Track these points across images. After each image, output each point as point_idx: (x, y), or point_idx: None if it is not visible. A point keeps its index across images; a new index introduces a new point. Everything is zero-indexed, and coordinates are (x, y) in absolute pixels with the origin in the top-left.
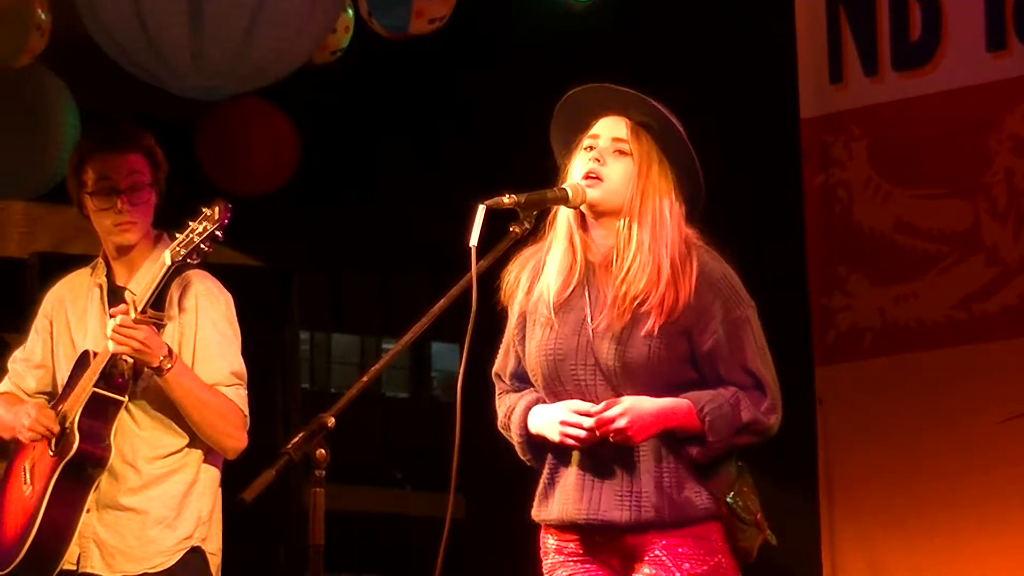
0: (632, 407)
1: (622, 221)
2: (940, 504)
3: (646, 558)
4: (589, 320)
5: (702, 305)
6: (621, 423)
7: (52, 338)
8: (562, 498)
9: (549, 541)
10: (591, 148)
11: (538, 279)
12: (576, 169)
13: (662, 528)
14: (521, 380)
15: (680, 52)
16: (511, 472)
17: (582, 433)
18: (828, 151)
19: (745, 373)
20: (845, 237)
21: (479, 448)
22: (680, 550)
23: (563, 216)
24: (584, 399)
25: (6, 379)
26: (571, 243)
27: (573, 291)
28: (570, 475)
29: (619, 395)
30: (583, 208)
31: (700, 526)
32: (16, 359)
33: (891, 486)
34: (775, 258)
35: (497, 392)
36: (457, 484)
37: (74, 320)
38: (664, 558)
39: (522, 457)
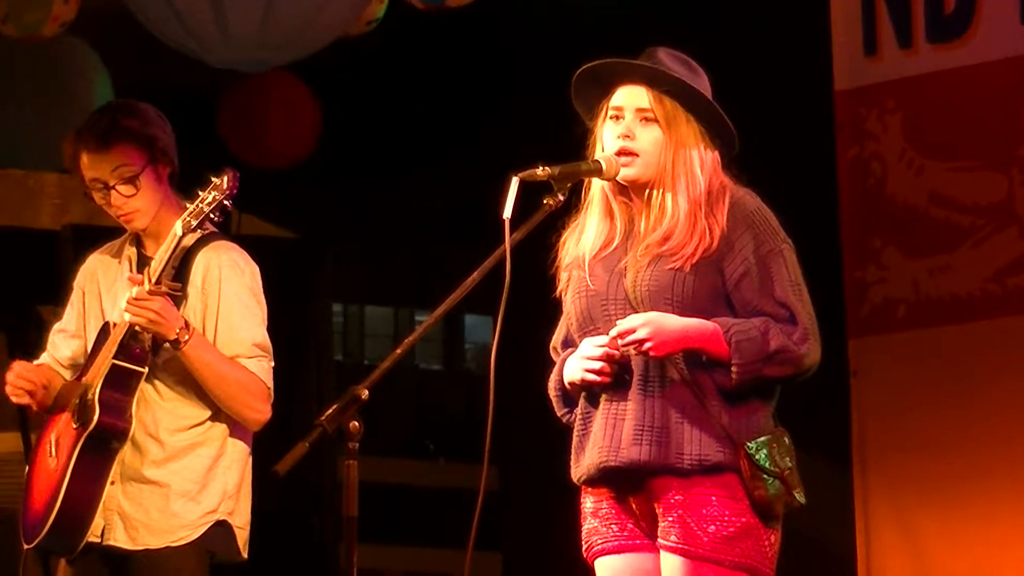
0: (654, 319)
1: (657, 191)
2: (974, 474)
3: (671, 518)
4: (623, 260)
5: (733, 236)
6: (642, 333)
7: (84, 308)
8: (591, 447)
9: (587, 504)
10: (616, 118)
11: (579, 243)
12: (606, 140)
13: (683, 475)
14: (570, 347)
15: (714, 24)
16: (544, 443)
17: (597, 364)
18: (862, 123)
19: (776, 304)
20: (879, 210)
21: (512, 420)
22: (704, 511)
23: (597, 186)
24: None
25: (45, 352)
26: (608, 211)
27: (614, 249)
28: (597, 421)
29: None
30: (621, 180)
31: (723, 477)
32: (55, 330)
33: (925, 457)
34: (809, 231)
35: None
36: (490, 455)
37: (104, 291)
38: (689, 520)
39: (558, 414)
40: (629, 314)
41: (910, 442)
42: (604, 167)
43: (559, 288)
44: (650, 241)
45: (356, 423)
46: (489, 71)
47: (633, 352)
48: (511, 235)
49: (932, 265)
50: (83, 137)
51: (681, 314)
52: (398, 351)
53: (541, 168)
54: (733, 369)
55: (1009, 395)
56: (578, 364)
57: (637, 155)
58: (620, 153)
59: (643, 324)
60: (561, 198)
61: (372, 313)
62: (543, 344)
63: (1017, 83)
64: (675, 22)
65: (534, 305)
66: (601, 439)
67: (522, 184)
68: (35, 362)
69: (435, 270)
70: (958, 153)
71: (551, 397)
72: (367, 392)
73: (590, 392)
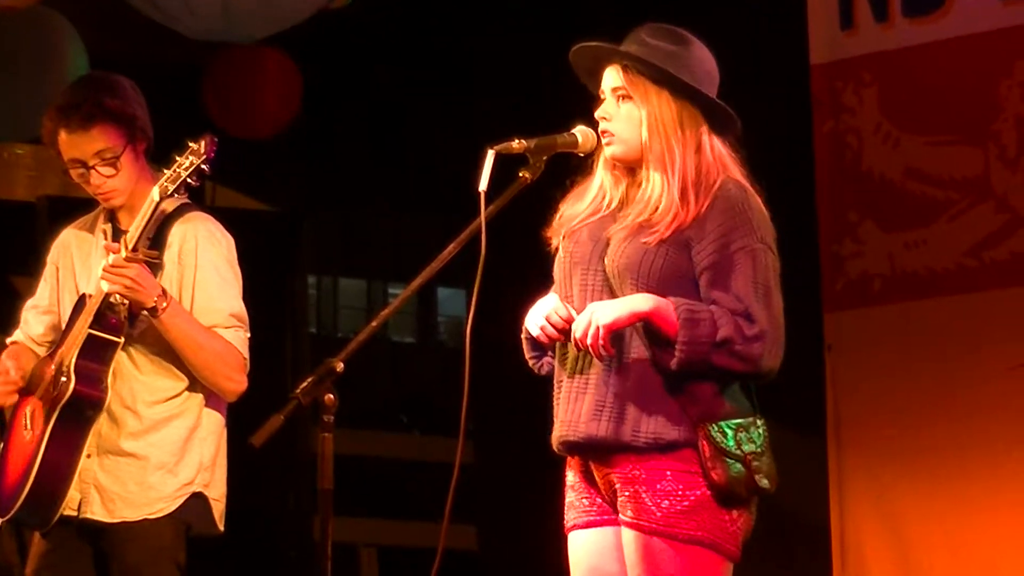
0: (592, 306)
1: (642, 168)
2: (948, 449)
3: (627, 493)
4: (608, 230)
5: (710, 224)
6: (580, 327)
7: (58, 283)
8: (558, 420)
9: (568, 477)
10: (600, 102)
11: (573, 207)
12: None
13: (639, 452)
14: None
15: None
16: (518, 416)
17: (552, 331)
18: (838, 97)
19: (735, 299)
20: (855, 184)
21: (487, 393)
22: (659, 486)
23: (601, 158)
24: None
25: (19, 329)
26: (601, 181)
27: (603, 217)
28: (563, 393)
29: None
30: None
31: (679, 453)
32: (28, 307)
33: (900, 431)
34: (785, 204)
35: None
36: (465, 428)
37: (78, 264)
38: (644, 495)
39: (526, 357)
40: (599, 281)
41: (885, 416)
42: (580, 139)
43: (554, 250)
44: (630, 213)
45: (332, 396)
46: (470, 44)
47: (590, 344)
48: (486, 208)
49: (908, 239)
50: (63, 117)
51: (650, 289)
52: (374, 323)
53: (517, 141)
54: (678, 347)
55: (984, 369)
56: (537, 319)
57: (613, 135)
58: (602, 134)
59: (583, 319)
60: (537, 171)
61: (346, 285)
62: (518, 317)
63: (993, 57)
64: None
65: (509, 278)
66: (564, 412)
67: (498, 157)
68: (8, 339)
69: (408, 243)
70: (934, 127)
71: (522, 339)
72: (342, 365)
73: (559, 356)
